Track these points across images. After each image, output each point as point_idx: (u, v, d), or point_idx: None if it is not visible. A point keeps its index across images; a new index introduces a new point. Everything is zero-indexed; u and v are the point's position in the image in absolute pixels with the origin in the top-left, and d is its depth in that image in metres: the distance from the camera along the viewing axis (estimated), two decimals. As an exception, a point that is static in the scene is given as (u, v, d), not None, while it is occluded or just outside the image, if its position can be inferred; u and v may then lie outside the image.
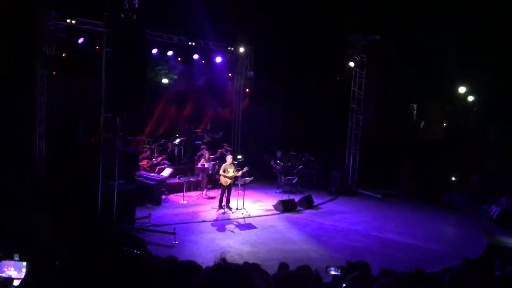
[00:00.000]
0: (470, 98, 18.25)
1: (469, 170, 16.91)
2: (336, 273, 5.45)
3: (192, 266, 2.82)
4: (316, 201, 15.60)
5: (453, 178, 17.73)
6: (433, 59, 17.31)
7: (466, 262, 8.02)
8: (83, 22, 14.44)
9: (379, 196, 17.46)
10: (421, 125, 20.46)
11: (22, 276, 2.83)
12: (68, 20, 14.14)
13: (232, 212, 13.45)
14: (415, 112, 22.00)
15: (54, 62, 14.14)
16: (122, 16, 10.18)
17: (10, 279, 2.86)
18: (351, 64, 18.22)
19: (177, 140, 18.20)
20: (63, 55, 14.80)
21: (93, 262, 1.34)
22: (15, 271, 2.87)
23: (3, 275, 2.86)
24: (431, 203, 16.35)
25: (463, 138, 17.82)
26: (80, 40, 14.78)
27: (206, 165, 15.72)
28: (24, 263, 2.85)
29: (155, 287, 1.40)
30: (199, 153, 16.67)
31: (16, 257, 2.95)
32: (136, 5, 10.19)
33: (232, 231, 11.88)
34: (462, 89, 17.95)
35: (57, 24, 14.04)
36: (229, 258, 1.53)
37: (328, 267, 5.57)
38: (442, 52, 16.67)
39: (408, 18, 17.12)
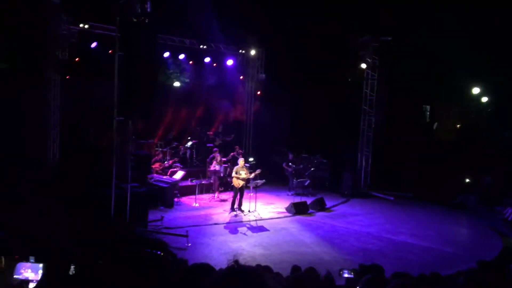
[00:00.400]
0: (484, 99, 18.04)
1: (482, 172, 16.71)
2: (349, 275, 5.41)
3: (205, 268, 2.83)
4: (329, 203, 15.55)
5: (466, 180, 17.54)
6: (445, 60, 17.15)
7: (481, 265, 7.92)
8: (96, 27, 14.59)
9: (391, 198, 17.34)
10: (434, 127, 20.24)
11: (39, 278, 2.88)
12: (80, 25, 14.30)
13: (244, 215, 13.46)
14: (428, 113, 21.81)
15: (67, 67, 14.29)
16: (135, 20, 10.27)
17: (27, 281, 2.90)
18: (363, 65, 18.16)
19: (189, 143, 18.27)
20: (76, 59, 14.94)
21: (113, 265, 1.36)
22: (32, 272, 2.91)
23: (20, 277, 2.91)
24: (444, 205, 16.20)
25: (476, 139, 17.61)
26: (93, 45, 14.92)
27: (217, 168, 15.76)
28: (41, 265, 2.89)
29: None
30: (211, 156, 16.72)
31: (32, 259, 3.00)
32: (148, 9, 10.27)
33: (244, 234, 11.89)
34: (475, 90, 17.76)
35: (70, 28, 14.20)
36: (241, 261, 1.54)
37: (341, 269, 5.53)
38: (455, 53, 16.51)
39: (419, 19, 16.99)
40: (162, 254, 1.41)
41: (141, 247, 1.42)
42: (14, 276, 2.92)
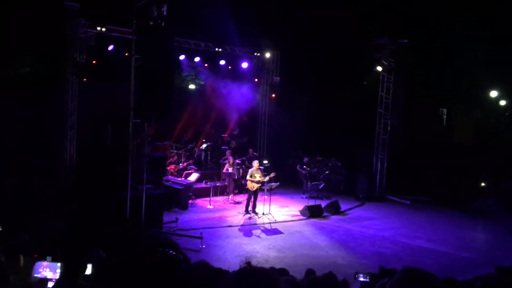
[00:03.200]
0: (502, 102, 17.79)
1: (500, 176, 16.45)
2: (364, 279, 5.37)
3: (218, 271, 2.85)
4: (343, 206, 15.46)
5: (483, 184, 17.28)
6: (463, 63, 16.96)
7: (500, 271, 7.80)
8: (113, 30, 14.77)
9: (407, 202, 17.16)
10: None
11: (57, 277, 2.92)
12: (98, 28, 14.50)
13: (258, 217, 13.46)
14: (444, 116, 21.58)
15: (85, 69, 14.49)
16: (151, 23, 10.35)
17: (45, 280, 2.95)
18: (379, 68, 18.05)
19: (204, 145, 18.36)
20: (93, 62, 15.14)
21: (128, 264, 1.37)
22: (50, 271, 2.96)
23: (39, 275, 2.96)
24: (461, 209, 15.96)
25: (494, 143, 17.36)
26: (110, 47, 15.10)
27: (230, 170, 15.79)
28: (59, 264, 2.94)
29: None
30: (223, 158, 16.83)
31: (49, 258, 3.04)
32: (165, 13, 10.34)
33: (258, 236, 11.89)
34: (493, 93, 17.51)
35: (87, 32, 14.40)
36: (255, 263, 1.54)
37: (356, 273, 5.49)
38: (472, 55, 16.32)
39: (436, 21, 16.85)
40: (174, 253, 1.42)
41: (153, 245, 1.43)
42: (34, 275, 2.97)
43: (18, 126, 13.69)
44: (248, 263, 1.51)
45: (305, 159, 17.78)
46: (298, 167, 17.67)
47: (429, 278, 1.88)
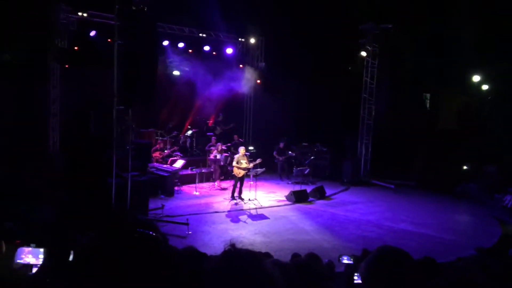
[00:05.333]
0: (485, 87, 17.98)
1: (483, 160, 16.71)
2: (348, 261, 5.45)
3: (201, 255, 2.85)
4: (328, 191, 15.59)
5: (467, 168, 17.54)
6: (446, 48, 17.07)
7: (480, 252, 7.98)
8: (95, 15, 14.53)
9: (392, 186, 17.36)
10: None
11: (40, 263, 2.91)
12: (79, 13, 14.23)
13: (245, 203, 13.51)
14: (428, 101, 21.77)
15: (67, 55, 14.26)
16: (133, 8, 10.22)
17: (28, 266, 2.93)
18: (363, 53, 18.08)
19: (189, 132, 18.29)
20: (75, 48, 14.89)
21: (110, 246, 1.37)
22: (33, 258, 2.94)
23: (21, 261, 2.94)
24: (445, 193, 16.21)
25: (477, 128, 17.57)
26: (92, 33, 14.86)
27: (218, 157, 15.78)
28: (42, 250, 2.92)
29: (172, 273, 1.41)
30: (209, 144, 16.81)
31: (32, 245, 3.02)
32: (147, -3, 10.21)
33: (244, 222, 11.95)
34: (476, 78, 17.69)
35: (69, 17, 14.14)
36: (240, 247, 1.54)
37: (340, 255, 5.57)
38: (455, 40, 16.43)
39: (420, 6, 16.88)
40: (154, 234, 1.41)
41: (133, 226, 1.42)
42: (16, 261, 2.95)
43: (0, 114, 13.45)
44: (233, 245, 1.51)
45: (281, 144, 17.76)
46: (274, 153, 17.68)
47: (403, 256, 1.91)
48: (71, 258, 2.88)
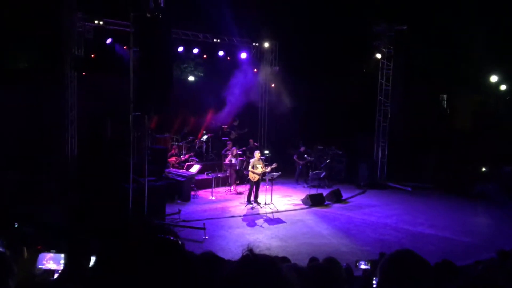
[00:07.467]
0: (502, 87, 17.72)
1: (500, 161, 16.45)
2: (366, 266, 5.42)
3: (218, 259, 2.86)
4: (345, 195, 15.50)
5: (484, 169, 17.28)
6: (462, 48, 16.88)
7: (501, 255, 7.83)
8: (110, 23, 14.72)
9: (409, 189, 17.19)
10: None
11: (61, 268, 2.95)
12: (95, 21, 14.44)
13: (261, 207, 13.50)
14: (445, 102, 21.54)
15: (83, 63, 14.46)
16: (148, 15, 10.31)
17: (50, 271, 2.98)
18: (378, 55, 17.98)
19: (205, 137, 18.38)
20: (92, 55, 15.10)
21: (131, 251, 1.39)
22: (54, 263, 2.99)
23: (43, 267, 2.99)
24: (462, 195, 15.98)
25: (494, 128, 17.32)
26: (108, 41, 15.06)
27: (233, 161, 15.82)
28: (62, 255, 2.96)
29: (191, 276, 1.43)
30: (225, 149, 16.86)
31: (53, 251, 3.07)
32: (162, 4, 10.30)
33: (261, 226, 11.94)
34: (493, 78, 17.44)
35: (85, 25, 14.35)
36: (258, 252, 1.55)
37: (358, 261, 5.54)
38: (472, 41, 16.24)
39: (435, 6, 16.74)
40: (174, 239, 1.43)
41: (154, 232, 1.44)
42: (38, 267, 3.00)
43: (18, 120, 13.68)
44: (250, 250, 1.52)
45: (302, 149, 17.74)
46: (295, 157, 17.66)
47: (417, 259, 1.90)
48: (91, 264, 2.93)
